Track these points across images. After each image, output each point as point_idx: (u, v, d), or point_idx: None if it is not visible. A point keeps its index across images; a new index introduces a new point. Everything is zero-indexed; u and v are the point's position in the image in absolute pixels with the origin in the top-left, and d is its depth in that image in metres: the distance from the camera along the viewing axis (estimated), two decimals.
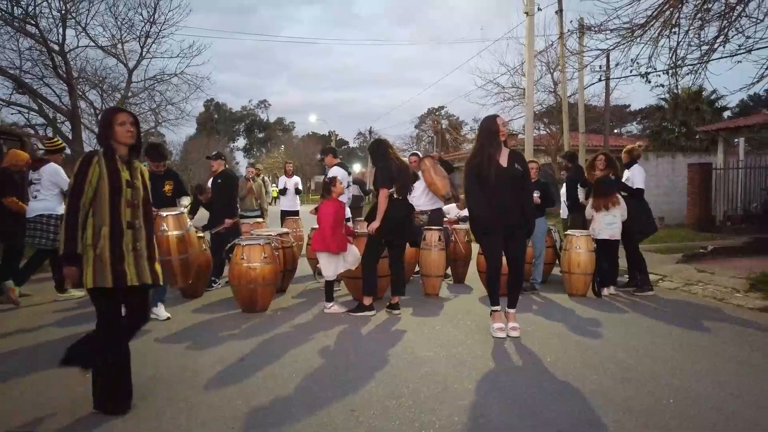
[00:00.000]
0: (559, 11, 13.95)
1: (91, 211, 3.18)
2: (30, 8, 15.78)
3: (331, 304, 5.87)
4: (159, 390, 3.62)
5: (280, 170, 41.43)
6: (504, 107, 19.01)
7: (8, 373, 3.95)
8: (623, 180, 7.03)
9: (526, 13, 12.85)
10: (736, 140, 17.10)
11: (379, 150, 5.94)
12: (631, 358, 4.27)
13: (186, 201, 6.19)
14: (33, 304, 6.27)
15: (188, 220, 5.67)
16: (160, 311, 5.47)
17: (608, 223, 6.72)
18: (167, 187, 5.82)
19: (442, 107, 58.09)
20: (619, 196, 6.72)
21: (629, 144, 7.68)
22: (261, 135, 77.51)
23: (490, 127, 4.94)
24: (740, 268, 7.85)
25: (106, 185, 3.18)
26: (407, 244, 6.15)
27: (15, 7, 15.61)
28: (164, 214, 5.33)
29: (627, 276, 7.30)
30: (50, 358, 4.12)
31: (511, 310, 4.98)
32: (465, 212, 9.05)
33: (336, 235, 5.70)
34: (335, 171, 7.11)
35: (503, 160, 4.88)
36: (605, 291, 6.77)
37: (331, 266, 5.79)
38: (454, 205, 9.47)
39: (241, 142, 77.69)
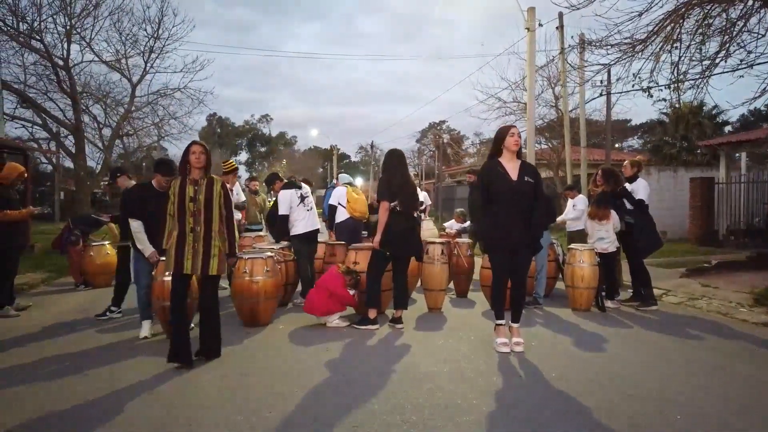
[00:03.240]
0: (560, 27, 14.05)
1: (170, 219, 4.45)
2: (35, 24, 15.95)
3: (334, 317, 5.84)
4: (159, 406, 3.57)
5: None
6: (505, 121, 19.07)
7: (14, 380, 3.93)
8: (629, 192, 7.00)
9: (527, 28, 12.93)
10: (738, 155, 17.10)
11: (389, 162, 5.94)
12: (637, 374, 4.22)
13: None
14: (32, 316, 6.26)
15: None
16: (143, 329, 5.35)
17: (599, 237, 6.83)
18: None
19: (444, 122, 58.48)
20: (613, 212, 6.73)
21: (629, 158, 7.69)
22: (263, 149, 77.74)
23: (499, 136, 4.87)
24: (744, 283, 7.81)
25: (176, 201, 4.41)
26: (412, 257, 6.11)
27: (20, 23, 15.75)
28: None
29: (630, 291, 7.26)
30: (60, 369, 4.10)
31: (515, 325, 4.94)
32: (466, 225, 9.04)
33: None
34: (282, 194, 7.01)
35: (513, 174, 4.78)
36: (609, 304, 6.77)
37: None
38: (453, 220, 9.49)
39: (243, 156, 77.93)
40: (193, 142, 4.62)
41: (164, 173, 5.84)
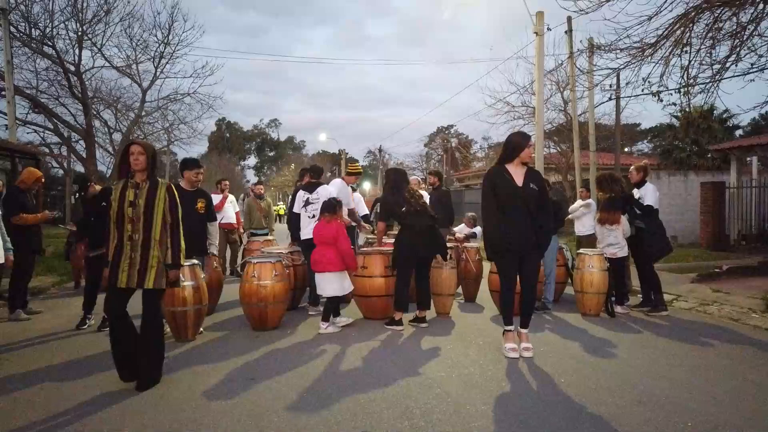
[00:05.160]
0: (569, 31, 13.99)
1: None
2: (47, 30, 16.12)
3: (327, 324, 5.78)
4: (167, 409, 3.59)
5: (290, 188, 41.57)
6: (514, 126, 19.02)
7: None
8: (636, 198, 6.96)
9: (536, 33, 12.92)
10: (749, 159, 16.95)
11: (388, 182, 6.24)
12: (647, 380, 4.19)
13: (214, 229, 6.14)
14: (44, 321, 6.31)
15: (201, 272, 5.61)
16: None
17: (609, 243, 6.76)
18: (200, 204, 5.87)
19: (452, 126, 58.41)
20: (623, 217, 6.69)
21: (638, 162, 7.63)
22: (272, 153, 78.11)
23: (516, 145, 4.85)
24: (756, 288, 7.73)
25: (116, 206, 3.95)
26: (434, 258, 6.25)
27: (33, 29, 15.94)
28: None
29: (640, 296, 7.21)
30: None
31: (524, 330, 4.92)
32: (475, 230, 9.01)
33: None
34: (297, 194, 7.07)
35: (519, 180, 4.81)
36: (618, 309, 6.72)
37: (328, 285, 5.76)
38: (463, 224, 9.45)
39: (252, 160, 78.34)
40: (132, 142, 4.13)
41: (192, 167, 5.87)
